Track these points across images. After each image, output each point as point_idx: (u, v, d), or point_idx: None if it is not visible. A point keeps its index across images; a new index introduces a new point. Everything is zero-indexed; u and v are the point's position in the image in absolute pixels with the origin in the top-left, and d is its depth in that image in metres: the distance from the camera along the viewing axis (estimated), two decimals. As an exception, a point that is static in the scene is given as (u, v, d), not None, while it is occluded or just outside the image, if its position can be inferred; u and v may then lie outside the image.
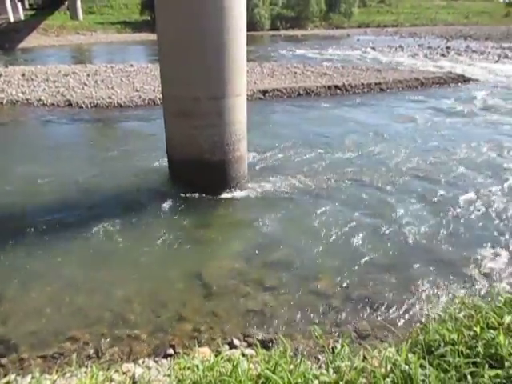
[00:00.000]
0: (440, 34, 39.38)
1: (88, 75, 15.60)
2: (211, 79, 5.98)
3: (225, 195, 6.48)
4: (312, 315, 4.02)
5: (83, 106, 12.01)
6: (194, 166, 6.31)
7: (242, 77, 6.31)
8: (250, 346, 3.59)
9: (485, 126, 10.68)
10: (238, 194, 6.55)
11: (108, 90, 13.45)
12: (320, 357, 3.43)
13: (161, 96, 7.01)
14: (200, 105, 6.02)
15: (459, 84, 15.90)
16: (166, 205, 6.11)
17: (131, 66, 17.89)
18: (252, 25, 35.58)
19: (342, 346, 2.58)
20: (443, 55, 24.37)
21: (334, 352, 2.65)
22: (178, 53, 5.90)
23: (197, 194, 6.34)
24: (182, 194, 6.36)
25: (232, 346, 3.63)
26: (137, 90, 13.33)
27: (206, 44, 5.78)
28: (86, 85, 14.07)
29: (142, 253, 5.03)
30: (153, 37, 33.59)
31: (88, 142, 9.62)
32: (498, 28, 46.88)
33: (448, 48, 27.71)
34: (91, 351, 3.59)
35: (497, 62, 22.01)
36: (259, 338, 3.68)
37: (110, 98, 12.45)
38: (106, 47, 33.29)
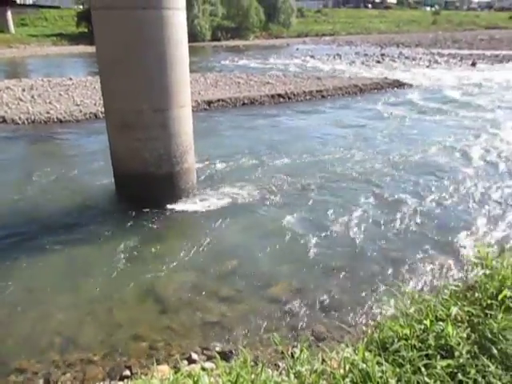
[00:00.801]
0: (374, 42, 41.19)
1: (23, 90, 14.89)
2: (154, 91, 5.91)
3: (174, 208, 6.37)
4: (270, 322, 4.03)
5: (19, 122, 11.41)
6: (141, 179, 6.18)
7: (185, 88, 6.28)
8: (209, 359, 3.54)
9: (420, 126, 11.26)
10: (187, 206, 6.47)
11: (46, 104, 12.90)
12: (280, 363, 3.43)
13: (103, 109, 6.82)
14: (144, 117, 5.92)
15: (395, 89, 16.68)
16: (113, 222, 5.93)
17: (70, 79, 17.29)
18: (193, 36, 35.54)
19: (301, 351, 2.60)
20: (379, 62, 25.50)
21: (293, 357, 2.67)
22: (118, 65, 5.78)
23: (145, 209, 6.18)
24: (129, 210, 6.19)
25: (191, 360, 3.56)
26: (77, 104, 12.90)
27: (148, 56, 5.71)
28: (21, 100, 13.41)
29: (90, 273, 4.83)
30: (91, 49, 32.68)
31: (25, 160, 9.15)
32: (427, 35, 49.75)
33: (383, 55, 29.03)
34: (41, 381, 3.38)
35: (428, 67, 23.33)
36: (218, 350, 3.63)
37: (48, 113, 11.93)
38: (41, 60, 31.97)
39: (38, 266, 5.00)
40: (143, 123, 5.96)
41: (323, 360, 2.56)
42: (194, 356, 3.61)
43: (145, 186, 6.19)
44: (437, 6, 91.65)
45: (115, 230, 5.77)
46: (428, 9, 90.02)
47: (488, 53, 29.97)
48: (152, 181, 6.20)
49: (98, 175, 7.42)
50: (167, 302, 4.37)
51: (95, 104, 12.79)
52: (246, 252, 5.27)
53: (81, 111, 12.12)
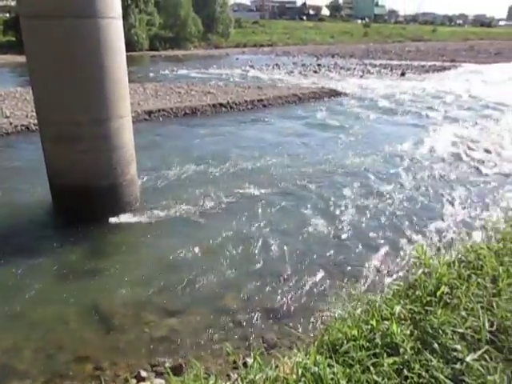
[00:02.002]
0: (311, 53, 42.44)
1: None
2: (92, 102, 5.73)
3: (117, 221, 6.18)
4: (220, 333, 4.00)
5: None
6: (81, 192, 5.94)
7: (124, 98, 6.14)
8: (160, 375, 3.45)
9: (356, 133, 11.71)
10: (130, 218, 6.29)
11: (-29, 117, 12.08)
12: (232, 374, 3.41)
13: (36, 121, 6.50)
14: (83, 129, 5.72)
15: (332, 97, 17.26)
16: (50, 237, 5.65)
17: (-3, 90, 16.32)
18: (130, 45, 34.81)
19: (254, 359, 2.60)
20: (315, 72, 26.28)
21: (246, 366, 2.66)
22: (53, 76, 5.55)
23: (86, 223, 5.94)
24: (68, 224, 5.93)
25: (140, 378, 3.45)
26: (7, 116, 12.18)
27: (84, 66, 5.54)
28: None
29: (25, 294, 4.55)
30: (21, 59, 31.08)
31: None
32: (359, 46, 52.03)
33: (319, 65, 29.96)
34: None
35: (361, 77, 24.37)
36: (169, 365, 3.54)
37: (-27, 126, 11.17)
38: (-36, 71, 29.91)
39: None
40: (82, 135, 5.76)
41: (276, 366, 2.57)
42: (143, 373, 3.50)
43: (85, 199, 5.96)
44: (367, 19, 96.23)
45: (53, 246, 5.49)
46: (359, 21, 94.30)
47: (415, 63, 31.83)
48: (93, 193, 5.98)
49: (34, 191, 7.03)
50: (112, 320, 4.21)
51: (27, 116, 12.15)
52: (193, 264, 5.20)
53: (11, 123, 11.45)
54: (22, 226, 6.05)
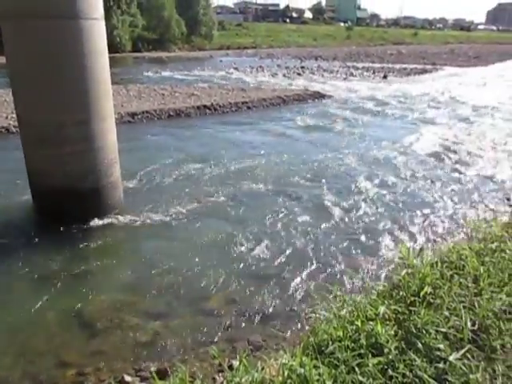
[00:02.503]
0: (294, 55, 42.63)
1: None
2: (74, 103, 5.66)
3: (100, 224, 6.10)
4: (205, 336, 3.98)
5: None
6: (64, 195, 5.84)
7: (107, 100, 6.08)
8: (144, 379, 3.41)
9: (341, 135, 11.82)
10: (114, 221, 6.22)
11: None
12: (217, 377, 3.40)
13: (16, 123, 6.38)
14: (65, 130, 5.64)
15: (316, 100, 17.37)
16: (31, 241, 5.55)
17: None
18: (113, 47, 34.55)
19: (240, 362, 2.60)
20: (299, 74, 26.41)
21: (232, 369, 2.66)
22: (34, 78, 5.46)
23: (68, 226, 5.85)
24: (50, 227, 5.83)
25: (124, 383, 3.41)
26: (-15, 118, 11.94)
27: (66, 68, 5.47)
28: None
29: (7, 298, 4.47)
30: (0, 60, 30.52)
31: None
32: (342, 49, 52.48)
33: (303, 68, 30.11)
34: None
35: (345, 79, 24.59)
36: (153, 369, 3.51)
37: (-49, 128, 10.93)
38: None
39: None
40: (65, 137, 5.68)
41: (262, 369, 2.57)
42: (127, 378, 3.46)
43: (68, 202, 5.87)
44: (349, 22, 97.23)
45: (33, 249, 5.40)
46: (342, 24, 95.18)
47: (397, 66, 32.25)
48: (76, 196, 5.89)
49: (12, 191, 6.91)
50: (95, 325, 4.15)
51: (6, 117, 11.93)
52: (177, 266, 5.16)
53: (-10, 125, 11.23)
54: (0, 229, 5.94)
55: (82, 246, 5.58)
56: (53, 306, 4.39)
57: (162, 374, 3.42)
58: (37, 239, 5.62)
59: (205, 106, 14.57)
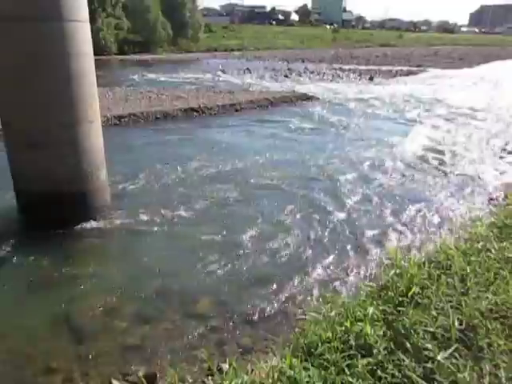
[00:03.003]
0: (281, 57, 42.72)
1: None
2: (59, 107, 5.60)
3: (87, 227, 6.04)
4: (195, 340, 3.96)
5: None
6: (50, 199, 5.77)
7: (93, 102, 6.03)
8: (133, 384, 3.39)
9: (329, 136, 11.88)
10: (101, 224, 6.17)
11: None
12: (207, 380, 3.38)
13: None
14: (50, 134, 5.58)
15: (303, 102, 17.43)
16: (16, 245, 5.47)
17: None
18: (98, 49, 34.28)
19: (230, 365, 2.59)
20: (286, 76, 26.48)
21: (221, 372, 2.64)
22: (18, 81, 5.40)
23: (54, 230, 5.78)
24: (35, 232, 5.75)
25: (112, 388, 3.38)
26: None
27: (51, 70, 5.41)
28: None
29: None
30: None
31: None
32: (329, 51, 52.76)
33: (290, 70, 30.20)
34: None
35: (331, 81, 24.72)
36: (142, 373, 3.48)
37: None
38: None
39: None
40: (51, 140, 5.61)
41: (252, 371, 2.56)
42: (115, 383, 3.43)
43: (54, 206, 5.80)
44: (335, 25, 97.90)
45: (19, 254, 5.32)
46: (328, 27, 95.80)
47: (383, 68, 32.53)
48: (62, 200, 5.82)
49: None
50: (83, 329, 4.11)
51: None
52: (166, 270, 5.13)
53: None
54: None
55: (68, 250, 5.52)
56: (40, 310, 4.34)
57: (151, 378, 3.40)
58: (22, 244, 5.54)
59: (192, 109, 14.52)
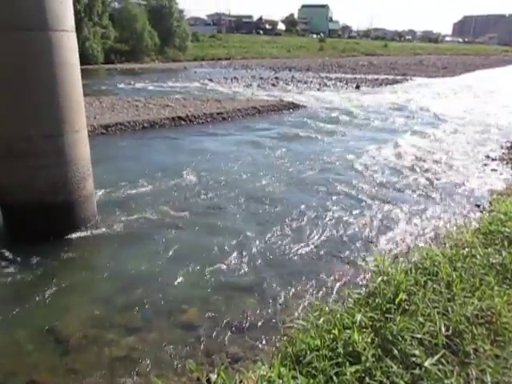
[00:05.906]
0: (268, 66, 43.03)
1: None
2: (45, 116, 5.56)
3: (74, 237, 5.98)
4: (182, 350, 3.92)
5: None
6: (35, 210, 5.71)
7: (80, 112, 6.01)
8: (120, 397, 3.34)
9: (315, 144, 11.97)
10: (88, 234, 6.11)
11: None
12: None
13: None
14: (35, 144, 5.52)
15: (290, 110, 17.55)
16: (2, 258, 5.38)
17: None
18: (85, 58, 34.14)
19: (218, 375, 2.57)
20: (273, 85, 26.64)
21: (210, 383, 2.62)
22: (3, 89, 5.36)
23: (40, 241, 5.70)
24: (20, 243, 5.68)
25: (98, 402, 3.33)
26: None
27: (36, 80, 5.38)
28: None
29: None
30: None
31: None
32: (316, 60, 53.30)
33: (277, 78, 30.40)
34: None
35: (318, 90, 24.93)
36: (129, 386, 3.44)
37: None
38: None
39: None
40: (35, 150, 5.56)
41: (240, 381, 2.55)
42: (102, 396, 3.38)
43: (39, 217, 5.74)
44: (322, 34, 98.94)
45: (3, 266, 5.24)
46: (315, 36, 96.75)
47: (369, 77, 32.94)
48: (48, 211, 5.76)
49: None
50: (69, 341, 4.05)
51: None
52: (153, 279, 5.09)
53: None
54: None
55: (54, 261, 5.45)
56: (24, 322, 4.28)
57: (139, 391, 3.35)
58: (6, 255, 5.45)
59: (179, 118, 14.52)
